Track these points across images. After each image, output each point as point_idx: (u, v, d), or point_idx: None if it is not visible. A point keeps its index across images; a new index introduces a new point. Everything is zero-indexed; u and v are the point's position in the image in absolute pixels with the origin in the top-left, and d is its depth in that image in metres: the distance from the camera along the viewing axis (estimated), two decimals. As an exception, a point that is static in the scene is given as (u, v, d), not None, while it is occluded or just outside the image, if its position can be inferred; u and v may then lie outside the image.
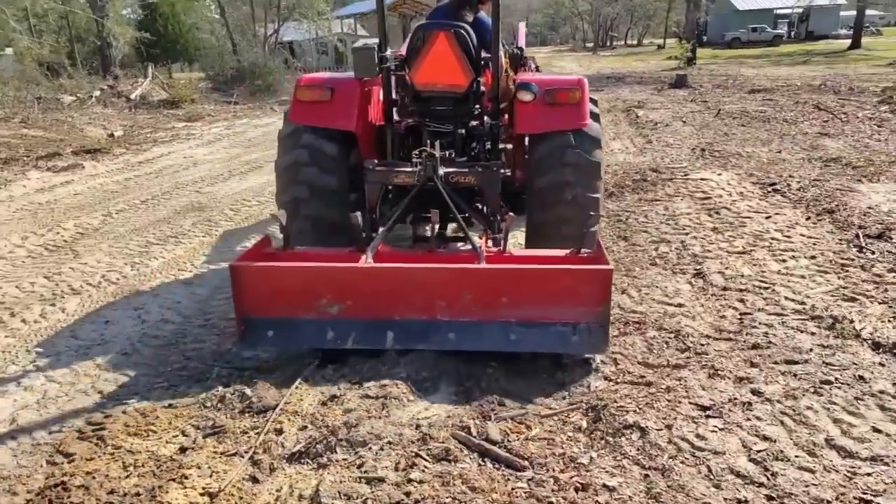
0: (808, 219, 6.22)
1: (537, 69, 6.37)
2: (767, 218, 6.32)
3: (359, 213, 3.99)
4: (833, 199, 6.69)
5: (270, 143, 12.62)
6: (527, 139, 4.69)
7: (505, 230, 4.02)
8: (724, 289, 4.73)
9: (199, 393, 3.54)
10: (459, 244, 4.89)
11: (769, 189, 7.32)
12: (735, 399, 3.28)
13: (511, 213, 4.07)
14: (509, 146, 5.02)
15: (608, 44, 62.92)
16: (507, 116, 4.79)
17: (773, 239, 5.73)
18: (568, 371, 3.68)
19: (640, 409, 3.25)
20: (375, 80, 4.62)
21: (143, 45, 25.27)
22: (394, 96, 4.67)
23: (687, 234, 6.07)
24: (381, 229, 4.14)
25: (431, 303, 3.65)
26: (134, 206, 7.92)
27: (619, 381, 3.57)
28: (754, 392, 3.35)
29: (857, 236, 5.58)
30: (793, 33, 57.82)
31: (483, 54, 4.49)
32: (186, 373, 3.86)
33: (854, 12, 54.52)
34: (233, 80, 21.46)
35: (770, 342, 3.87)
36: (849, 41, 47.02)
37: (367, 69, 4.40)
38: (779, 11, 59.51)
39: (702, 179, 7.95)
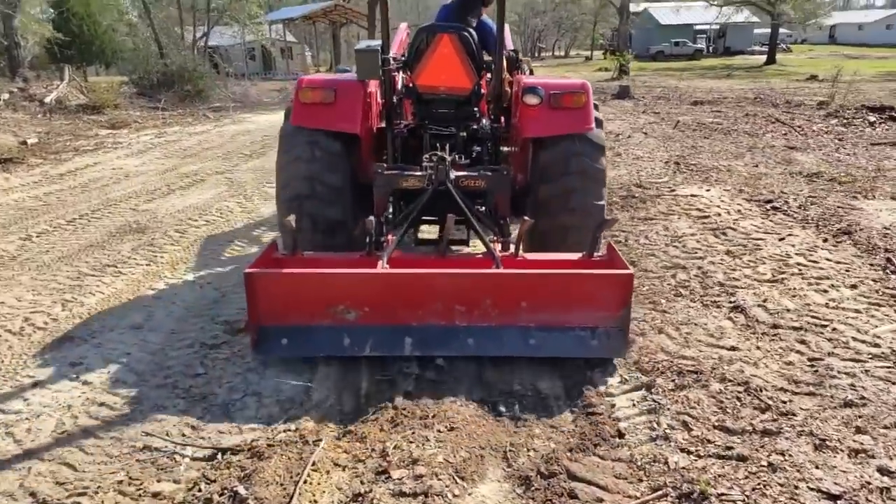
0: (825, 241, 5.77)
1: (531, 72, 6.18)
2: (781, 240, 5.84)
3: (372, 218, 3.83)
4: (841, 219, 6.30)
5: (209, 152, 11.56)
6: (531, 143, 4.53)
7: (520, 234, 3.94)
8: (775, 326, 4.15)
9: (172, 493, 2.68)
10: (461, 248, 4.69)
11: (767, 207, 6.89)
12: (867, 483, 2.66)
13: (526, 217, 3.96)
14: (508, 149, 4.86)
15: (536, 55, 63.48)
16: (502, 119, 4.78)
17: (798, 264, 5.24)
18: (630, 432, 3.04)
19: (749, 498, 2.59)
20: (375, 82, 4.55)
21: (57, 46, 23.39)
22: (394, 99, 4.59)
23: (701, 258, 5.52)
24: (390, 235, 4.13)
25: (450, 308, 3.58)
26: (59, 228, 6.81)
27: (701, 453, 2.91)
28: (883, 471, 2.74)
29: (890, 261, 5.15)
30: (711, 48, 59.89)
31: (485, 57, 4.49)
32: (149, 458, 2.95)
33: (766, 30, 57.07)
34: (160, 84, 19.97)
35: (864, 398, 3.28)
36: (763, 57, 49.04)
37: (370, 71, 4.31)
38: (698, 27, 61.57)
39: (692, 196, 7.48)
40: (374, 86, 4.63)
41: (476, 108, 4.59)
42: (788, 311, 4.38)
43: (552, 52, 70.56)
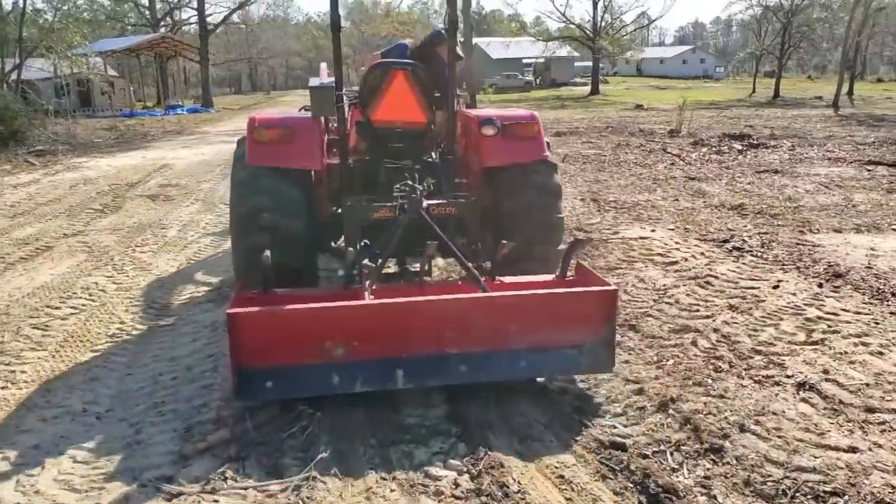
0: (820, 286, 5.34)
1: (467, 106, 5.99)
2: (775, 288, 5.34)
3: (351, 249, 3.87)
4: (813, 259, 5.97)
5: (46, 209, 9.46)
6: (487, 171, 4.63)
7: (501, 258, 3.98)
8: (871, 410, 3.47)
9: None
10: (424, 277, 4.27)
11: (728, 248, 6.46)
12: None
13: (505, 241, 3.99)
14: (459, 180, 4.80)
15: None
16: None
17: (820, 318, 4.70)
18: None
19: None
20: (325, 119, 4.58)
21: None
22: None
23: (707, 317, 4.85)
24: (359, 267, 3.98)
25: (441, 336, 3.48)
26: None
27: None
28: None
29: (918, 310, 4.77)
30: (538, 80, 62.94)
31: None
32: None
33: (586, 63, 61.02)
34: (-43, 127, 16.75)
35: None
36: (586, 88, 52.33)
37: (326, 108, 4.36)
38: (526, 60, 64.59)
39: (641, 238, 6.91)
40: (328, 122, 4.71)
41: (430, 142, 4.69)
42: (868, 385, 3.74)
43: None
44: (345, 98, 4.45)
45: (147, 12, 47.49)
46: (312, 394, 3.48)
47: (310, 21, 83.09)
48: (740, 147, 13.88)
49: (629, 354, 4.38)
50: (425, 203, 4.02)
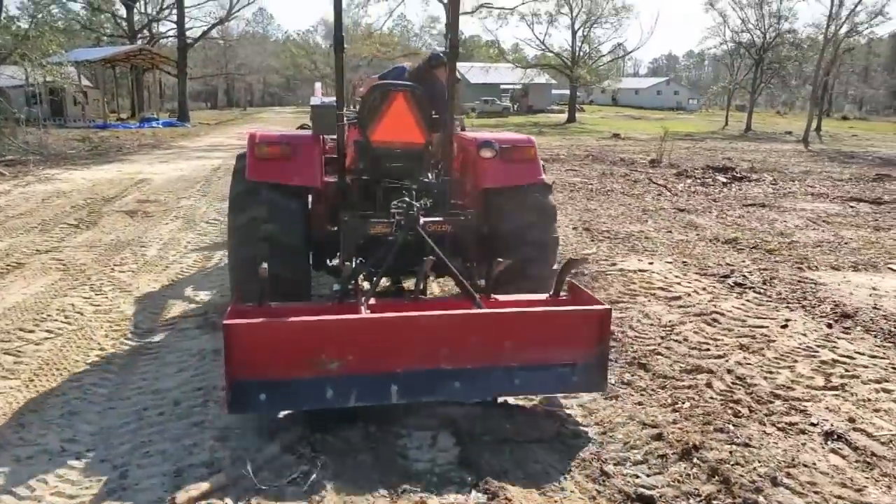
0: (829, 326, 5.23)
1: (463, 129, 5.90)
2: (784, 328, 5.21)
3: (349, 264, 3.94)
4: (818, 297, 5.87)
5: (18, 222, 9.05)
6: (484, 193, 4.74)
7: (496, 275, 4.02)
8: (905, 463, 3.34)
9: None
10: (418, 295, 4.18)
11: (730, 284, 6.34)
12: None
13: (500, 259, 4.03)
14: (455, 202, 4.81)
15: (353, 106, 62.55)
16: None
17: (835, 362, 4.57)
18: None
19: None
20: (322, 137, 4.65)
21: None
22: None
23: (719, 357, 4.69)
24: (356, 282, 4.07)
25: (436, 352, 3.48)
26: None
27: None
28: None
29: (927, 353, 4.66)
30: (516, 106, 63.40)
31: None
32: None
33: (562, 91, 61.72)
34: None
35: None
36: (563, 115, 52.84)
37: (327, 127, 4.46)
38: (503, 86, 65.08)
39: (640, 271, 6.77)
40: (324, 140, 4.75)
41: (427, 163, 4.74)
42: (897, 435, 3.61)
43: None
44: (345, 117, 4.52)
45: (124, 24, 46.91)
46: (307, 407, 3.47)
47: (289, 39, 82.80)
48: (725, 179, 13.94)
49: (641, 395, 4.20)
50: (422, 220, 4.12)
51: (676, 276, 6.58)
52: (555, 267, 4.66)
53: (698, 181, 13.89)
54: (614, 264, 7.04)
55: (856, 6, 37.83)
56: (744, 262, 7.21)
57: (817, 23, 44.51)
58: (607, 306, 3.71)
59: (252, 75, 74.14)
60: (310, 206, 4.70)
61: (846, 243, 8.29)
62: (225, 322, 3.26)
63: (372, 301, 3.89)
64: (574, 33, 49.50)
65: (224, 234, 8.61)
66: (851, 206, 11.46)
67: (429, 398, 3.56)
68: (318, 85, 8.93)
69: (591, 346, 3.64)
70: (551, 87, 66.75)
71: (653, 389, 4.28)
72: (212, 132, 31.03)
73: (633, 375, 4.48)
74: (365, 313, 3.61)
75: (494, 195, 4.66)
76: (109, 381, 4.30)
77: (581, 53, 49.51)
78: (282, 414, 3.66)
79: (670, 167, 17.55)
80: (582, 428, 3.78)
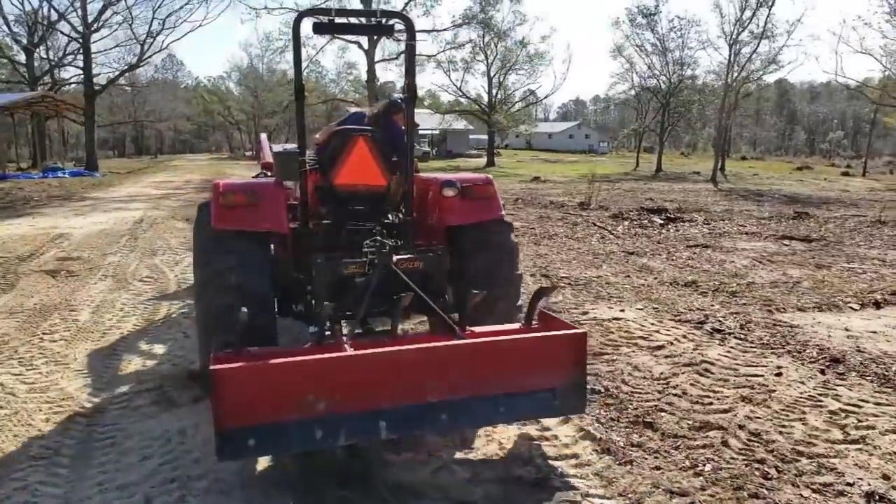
0: (822, 372, 5.17)
1: (417, 171, 5.86)
2: (778, 375, 5.11)
3: (328, 304, 3.82)
4: (799, 342, 5.84)
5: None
6: (447, 231, 4.87)
7: (472, 307, 4.09)
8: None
9: None
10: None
11: (708, 330, 6.24)
12: None
13: (475, 291, 4.08)
14: (419, 243, 4.93)
15: (255, 156, 61.40)
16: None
17: (843, 411, 4.46)
18: None
19: None
20: (288, 183, 4.73)
21: None
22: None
23: (724, 410, 4.52)
24: (332, 323, 4.11)
25: (422, 385, 3.48)
26: None
27: None
28: None
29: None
30: (435, 151, 64.04)
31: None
32: None
33: (479, 135, 62.92)
34: None
35: None
36: (481, 159, 53.72)
37: (290, 173, 4.53)
38: (422, 131, 65.70)
39: (614, 319, 6.60)
40: (291, 185, 4.83)
41: (388, 204, 4.87)
42: (937, 493, 3.47)
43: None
44: (308, 163, 4.61)
45: (23, 69, 44.52)
46: (297, 450, 3.53)
47: (199, 85, 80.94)
48: (661, 221, 14.21)
49: (656, 458, 3.96)
50: (395, 258, 4.18)
51: (653, 324, 6.45)
52: (519, 303, 4.85)
53: (635, 223, 14.09)
54: (586, 313, 6.85)
55: (751, 55, 40.34)
56: (712, 305, 7.18)
57: (715, 70, 47.07)
58: (583, 330, 3.84)
59: (162, 122, 71.82)
60: (272, 253, 4.72)
61: (798, 283, 8.45)
62: (212, 368, 3.18)
63: (353, 340, 3.91)
64: (490, 80, 50.62)
65: (162, 294, 8.01)
66: (786, 245, 11.83)
67: (418, 432, 3.74)
68: (263, 136, 8.63)
69: (569, 370, 3.74)
70: (468, 132, 67.91)
71: (666, 451, 4.05)
72: (125, 182, 29.56)
73: (640, 436, 4.24)
74: (350, 351, 3.60)
75: (459, 232, 4.79)
76: (61, 478, 3.70)
77: (496, 99, 50.55)
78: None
79: (601, 209, 17.84)
80: (606, 502, 3.50)
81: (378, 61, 34.55)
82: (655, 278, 8.62)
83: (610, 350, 5.76)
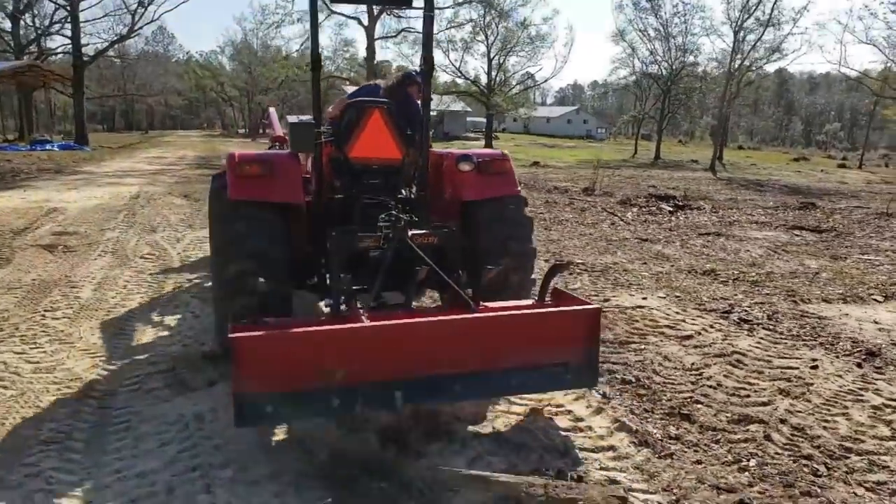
0: (859, 366, 5.01)
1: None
2: (814, 368, 4.94)
3: (346, 278, 3.91)
4: (833, 335, 5.69)
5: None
6: (462, 206, 4.84)
7: (486, 282, 4.19)
8: None
9: None
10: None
11: (735, 321, 6.07)
12: None
13: (490, 266, 4.22)
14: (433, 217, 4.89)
15: (263, 131, 60.86)
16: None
17: (887, 406, 4.31)
18: None
19: None
20: (303, 155, 4.73)
21: None
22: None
23: (763, 403, 4.35)
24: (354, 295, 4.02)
25: (437, 357, 3.52)
26: None
27: None
28: None
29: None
30: (431, 133, 63.58)
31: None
32: None
33: (476, 118, 62.45)
34: None
35: None
36: (478, 142, 53.30)
37: (306, 144, 4.50)
38: (416, 112, 65.14)
39: (638, 307, 6.42)
40: (303, 158, 4.81)
41: (403, 178, 4.80)
42: None
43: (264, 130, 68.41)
44: (323, 134, 4.56)
45: (8, 38, 43.57)
46: (314, 416, 3.62)
47: (191, 59, 79.61)
48: (670, 208, 14.03)
49: (696, 451, 3.80)
50: (410, 233, 4.12)
51: (677, 313, 6.27)
52: (533, 276, 4.84)
53: (644, 210, 13.91)
54: (608, 300, 6.67)
55: (756, 43, 40.03)
56: (736, 295, 7.00)
57: (718, 57, 46.76)
58: (597, 306, 3.87)
59: (153, 97, 70.67)
60: (296, 222, 4.65)
61: (818, 274, 8.28)
62: (231, 336, 3.19)
63: (370, 312, 3.90)
64: (490, 61, 50.12)
65: (165, 271, 7.76)
66: (797, 235, 11.68)
67: (432, 401, 3.77)
68: (272, 110, 8.44)
69: (582, 345, 3.77)
70: (466, 114, 67.41)
71: (706, 444, 3.88)
72: (117, 156, 29.08)
73: (678, 428, 4.07)
74: (367, 323, 3.59)
75: (473, 207, 4.75)
76: (76, 464, 3.48)
77: (496, 81, 50.07)
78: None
79: (605, 195, 17.65)
80: (651, 497, 3.33)
81: (378, 38, 33.98)
82: (672, 266, 8.44)
83: (637, 339, 5.58)
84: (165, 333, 5.58)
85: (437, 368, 3.52)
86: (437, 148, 5.21)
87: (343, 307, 3.89)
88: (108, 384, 4.51)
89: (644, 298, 6.74)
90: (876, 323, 6.12)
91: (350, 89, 5.50)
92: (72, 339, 5.36)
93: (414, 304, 4.29)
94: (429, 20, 4.59)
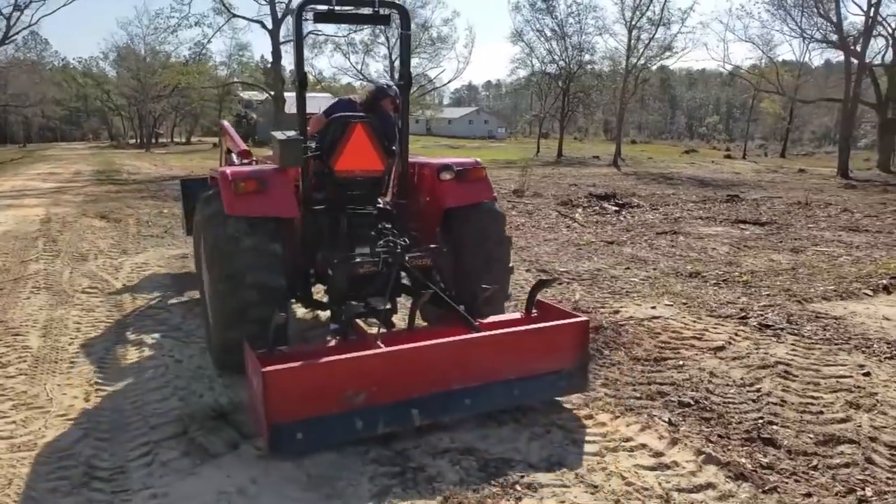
0: (901, 368, 4.97)
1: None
2: (866, 375, 4.84)
3: (353, 303, 4.24)
4: (862, 336, 5.65)
5: None
6: (443, 215, 5.06)
7: (482, 300, 4.48)
8: None
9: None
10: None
11: (756, 326, 5.92)
12: None
13: (486, 286, 4.47)
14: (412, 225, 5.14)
15: (154, 141, 57.58)
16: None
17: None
18: None
19: None
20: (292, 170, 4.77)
21: None
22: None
23: (842, 421, 4.16)
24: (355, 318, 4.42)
25: (448, 375, 3.82)
26: None
27: None
28: None
29: None
30: (334, 136, 62.17)
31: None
32: None
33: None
34: None
35: None
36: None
37: (294, 160, 4.58)
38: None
39: (653, 318, 6.16)
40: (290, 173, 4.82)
41: (383, 188, 5.14)
42: None
43: (171, 138, 64.99)
44: (310, 149, 4.78)
45: None
46: (340, 440, 3.68)
47: (68, 67, 74.12)
48: (614, 208, 14.07)
49: (799, 482, 3.55)
50: (407, 256, 4.52)
51: (695, 322, 6.07)
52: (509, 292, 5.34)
53: (589, 210, 13.88)
54: (617, 311, 6.39)
55: (650, 42, 41.64)
56: (740, 298, 6.89)
57: (612, 56, 48.26)
58: (585, 318, 4.31)
59: (29, 107, 65.20)
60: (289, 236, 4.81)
61: (794, 269, 8.37)
62: (264, 370, 3.38)
63: (381, 335, 4.17)
64: (392, 63, 49.62)
65: (118, 307, 6.85)
66: (743, 229, 11.94)
67: (446, 417, 3.93)
68: (226, 123, 8.17)
69: (574, 354, 4.19)
70: (367, 117, 66.44)
71: (805, 472, 3.64)
72: (2, 174, 26.52)
73: (765, 455, 3.81)
74: (382, 348, 3.86)
75: (455, 213, 4.97)
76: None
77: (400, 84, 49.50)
78: None
79: (536, 196, 17.62)
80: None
81: (283, 42, 32.67)
82: (654, 269, 8.31)
83: (670, 354, 5.31)
84: (152, 386, 4.81)
85: (448, 385, 3.84)
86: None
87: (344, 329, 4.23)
88: (111, 460, 3.76)
89: (653, 308, 6.51)
90: (888, 319, 6.15)
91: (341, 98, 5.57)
92: (40, 401, 4.52)
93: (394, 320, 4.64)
94: (405, 38, 4.97)
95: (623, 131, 51.72)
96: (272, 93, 33.90)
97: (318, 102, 6.08)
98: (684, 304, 6.66)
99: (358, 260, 4.44)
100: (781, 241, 10.53)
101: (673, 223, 12.44)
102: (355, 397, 3.60)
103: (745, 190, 21.52)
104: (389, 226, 4.91)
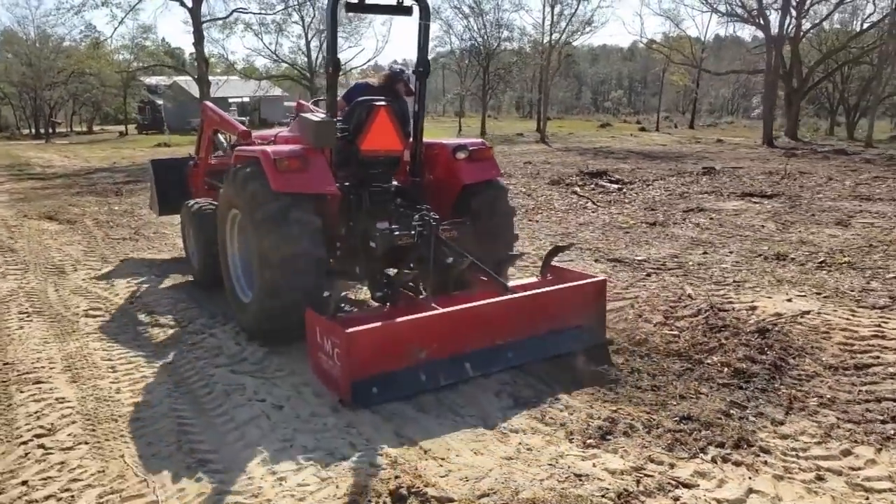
0: None
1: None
2: None
3: (404, 270, 4.74)
4: None
5: None
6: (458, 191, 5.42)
7: (507, 267, 5.51)
8: None
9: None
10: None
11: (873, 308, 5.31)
12: None
13: (512, 254, 5.55)
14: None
15: (52, 130, 52.39)
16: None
17: None
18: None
19: None
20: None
21: None
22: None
23: None
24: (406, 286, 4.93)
25: (494, 332, 4.38)
26: None
27: None
28: None
29: None
30: (248, 120, 59.21)
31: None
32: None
33: (292, 103, 59.08)
34: None
35: None
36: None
37: (327, 140, 4.91)
38: (231, 100, 60.36)
39: (804, 313, 5.38)
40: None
41: (400, 167, 5.45)
42: None
43: (70, 128, 59.41)
44: (339, 130, 5.02)
45: None
46: (408, 392, 4.03)
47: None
48: (616, 185, 13.40)
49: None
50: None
51: (855, 316, 5.33)
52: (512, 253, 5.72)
53: (595, 190, 13.13)
54: (753, 308, 5.59)
55: (571, 17, 41.42)
56: (870, 283, 6.22)
57: (530, 32, 47.91)
58: (603, 277, 5.15)
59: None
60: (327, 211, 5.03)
61: (870, 246, 7.90)
62: (348, 331, 3.85)
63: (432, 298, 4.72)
64: (308, 43, 47.41)
65: (145, 332, 5.49)
66: (757, 202, 11.53)
67: (493, 369, 4.34)
68: (210, 104, 7.79)
69: (594, 310, 4.80)
70: (283, 98, 63.70)
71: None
72: None
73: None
74: (440, 309, 4.37)
75: (470, 189, 5.29)
76: None
77: (319, 63, 47.41)
78: None
79: (509, 176, 16.79)
80: None
81: (205, 21, 30.17)
82: (731, 252, 7.63)
83: (868, 359, 4.56)
84: (276, 447, 3.62)
85: (492, 341, 4.37)
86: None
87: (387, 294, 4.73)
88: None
89: (788, 300, 5.77)
90: None
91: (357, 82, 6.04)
92: (131, 486, 3.26)
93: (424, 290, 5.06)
94: (424, 28, 5.14)
95: (535, 108, 51.67)
96: (195, 76, 31.21)
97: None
98: (818, 294, 5.96)
99: (397, 233, 4.80)
100: (813, 215, 10.14)
101: (683, 199, 11.89)
102: (420, 353, 4.10)
103: (699, 162, 21.46)
104: (405, 202, 5.20)
